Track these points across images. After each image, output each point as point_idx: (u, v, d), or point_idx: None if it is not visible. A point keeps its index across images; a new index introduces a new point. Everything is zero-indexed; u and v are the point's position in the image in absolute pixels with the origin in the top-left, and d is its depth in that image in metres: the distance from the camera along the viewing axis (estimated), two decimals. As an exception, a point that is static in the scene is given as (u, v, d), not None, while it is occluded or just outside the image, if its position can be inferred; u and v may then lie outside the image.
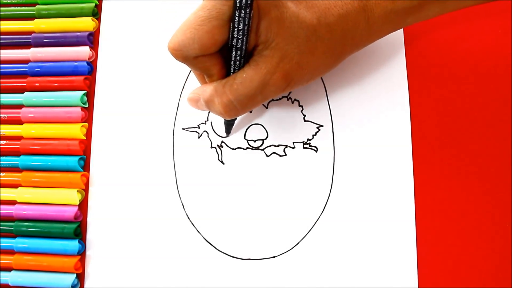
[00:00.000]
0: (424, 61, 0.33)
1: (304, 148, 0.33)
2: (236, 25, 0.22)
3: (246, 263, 0.32)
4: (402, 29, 0.34)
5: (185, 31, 0.23)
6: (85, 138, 0.36)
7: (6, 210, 0.35)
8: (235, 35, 0.23)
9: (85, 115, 0.36)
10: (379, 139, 0.32)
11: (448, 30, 0.33)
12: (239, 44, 0.23)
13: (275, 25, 0.24)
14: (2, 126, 0.36)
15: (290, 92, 0.34)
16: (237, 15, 0.22)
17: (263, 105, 0.34)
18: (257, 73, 0.24)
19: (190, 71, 0.35)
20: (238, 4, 0.21)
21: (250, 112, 0.34)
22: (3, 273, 0.34)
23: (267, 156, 0.33)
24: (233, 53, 0.24)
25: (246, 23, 0.22)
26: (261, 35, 0.24)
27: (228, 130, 0.33)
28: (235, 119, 0.32)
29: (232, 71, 0.25)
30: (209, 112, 0.34)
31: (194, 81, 0.35)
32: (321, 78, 0.34)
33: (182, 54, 0.24)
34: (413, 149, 0.32)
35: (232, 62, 0.24)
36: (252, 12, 0.22)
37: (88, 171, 0.35)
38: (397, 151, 0.32)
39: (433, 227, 0.31)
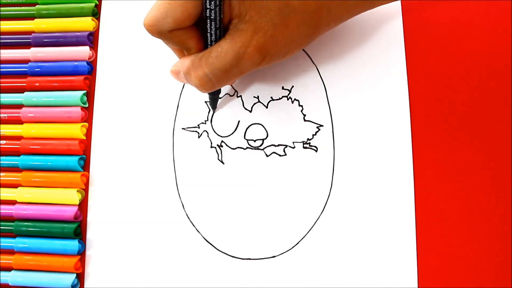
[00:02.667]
0: (424, 61, 0.33)
1: (304, 148, 0.33)
2: None
3: (246, 263, 0.32)
4: (402, 29, 0.34)
5: (159, 6, 0.23)
6: (85, 138, 0.36)
7: (6, 210, 0.35)
8: (208, 6, 0.23)
9: (85, 115, 0.36)
10: (379, 139, 0.32)
11: (448, 30, 0.33)
12: (213, 15, 0.24)
13: None
14: (2, 126, 0.36)
15: (290, 92, 0.34)
16: None
17: (263, 105, 0.34)
18: (232, 46, 0.24)
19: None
20: None
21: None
22: (3, 273, 0.34)
23: (267, 156, 0.33)
24: (208, 25, 0.24)
25: None
26: (234, 8, 0.24)
27: (213, 105, 0.33)
28: (219, 93, 0.32)
29: (209, 43, 0.25)
30: (209, 112, 0.34)
31: (194, 81, 0.35)
32: (321, 78, 0.34)
33: (157, 29, 0.24)
34: (413, 149, 0.32)
35: (208, 34, 0.25)
36: None
37: (88, 171, 0.35)
38: (397, 151, 0.32)
39: (433, 227, 0.31)
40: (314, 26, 0.27)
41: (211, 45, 0.25)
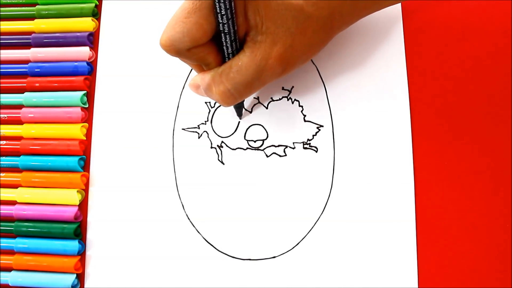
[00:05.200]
0: (424, 61, 0.33)
1: (304, 148, 0.33)
2: (218, 11, 0.22)
3: (246, 263, 0.32)
4: (402, 30, 0.34)
5: (174, 25, 0.23)
6: (85, 138, 0.36)
7: (6, 210, 0.35)
8: (220, 20, 0.23)
9: (85, 115, 0.36)
10: (379, 139, 0.32)
11: (448, 30, 0.33)
12: (226, 29, 0.23)
13: (262, 8, 0.24)
14: (2, 126, 0.36)
15: (290, 92, 0.34)
16: (217, 1, 0.22)
17: (263, 105, 0.34)
18: (252, 59, 0.24)
19: (190, 71, 0.35)
20: None
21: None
22: (3, 273, 0.34)
23: (267, 156, 0.33)
24: (223, 38, 0.24)
25: (228, 7, 0.22)
26: (250, 19, 0.24)
27: (239, 113, 0.33)
28: (243, 101, 0.32)
29: (226, 57, 0.25)
30: (209, 112, 0.34)
31: (194, 81, 0.35)
32: (321, 79, 0.34)
33: (174, 49, 0.24)
34: (413, 149, 0.32)
35: (224, 47, 0.25)
36: None
37: (88, 171, 0.35)
38: (397, 151, 0.32)
39: (433, 227, 0.31)
40: (328, 30, 0.27)
41: (229, 58, 0.25)
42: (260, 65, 0.24)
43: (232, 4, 0.23)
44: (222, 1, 0.22)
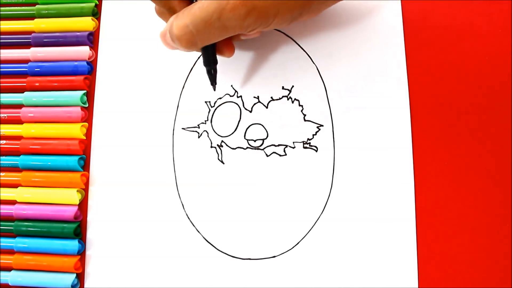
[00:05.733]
0: (424, 61, 0.33)
1: (304, 148, 0.33)
2: None
3: (246, 263, 0.32)
4: (402, 30, 0.33)
5: None
6: (85, 138, 0.35)
7: (6, 210, 0.35)
8: None
9: (85, 115, 0.36)
10: (379, 139, 0.32)
11: (448, 30, 0.33)
12: None
13: None
14: (2, 126, 0.36)
15: (290, 92, 0.34)
16: None
17: (263, 105, 0.34)
18: None
19: (190, 70, 0.35)
20: None
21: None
22: (3, 273, 0.34)
23: (267, 155, 0.33)
24: None
25: None
26: None
27: (212, 80, 0.31)
28: (215, 63, 0.30)
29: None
30: (209, 112, 0.34)
31: (194, 82, 0.35)
32: (321, 78, 0.34)
33: None
34: (413, 149, 0.32)
35: None
36: None
37: (88, 171, 0.35)
38: (397, 151, 0.32)
39: (433, 227, 0.31)
40: None
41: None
42: (222, 3, 0.24)
43: None
44: None
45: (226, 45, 0.30)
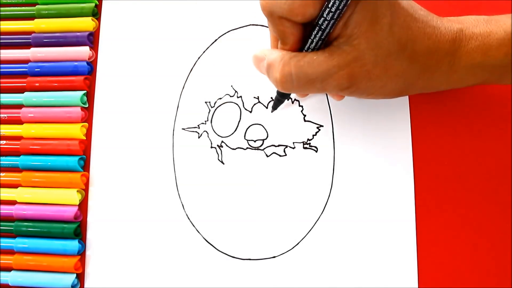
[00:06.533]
0: (424, 61, 0.33)
1: (304, 148, 0.33)
2: (330, 6, 0.22)
3: (246, 263, 0.32)
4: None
5: None
6: (85, 138, 0.36)
7: (6, 210, 0.35)
8: (325, 15, 0.23)
9: (85, 115, 0.36)
10: (379, 139, 0.32)
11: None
12: (324, 25, 0.23)
13: (366, 24, 0.23)
14: (2, 126, 0.36)
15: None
16: None
17: (263, 105, 0.34)
18: (327, 61, 0.24)
19: (191, 71, 0.35)
20: None
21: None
22: (3, 273, 0.34)
23: (267, 156, 0.33)
24: (315, 32, 0.24)
25: (340, 7, 0.22)
26: (348, 27, 0.23)
27: (275, 107, 0.31)
28: (286, 96, 0.31)
29: (305, 49, 0.25)
30: (209, 112, 0.34)
31: (194, 82, 0.35)
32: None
33: (269, 9, 0.23)
34: (413, 149, 0.32)
35: (310, 39, 0.24)
36: (350, 1, 0.22)
37: (88, 171, 0.35)
38: (397, 151, 0.32)
39: (433, 227, 0.31)
40: (408, 85, 0.26)
41: (306, 50, 0.25)
42: (331, 71, 0.24)
43: (345, 8, 0.22)
44: (339, 1, 0.22)
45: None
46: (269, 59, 0.25)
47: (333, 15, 0.22)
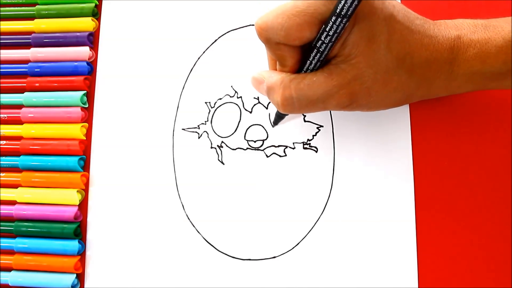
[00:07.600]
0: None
1: (304, 148, 0.33)
2: (327, 30, 0.22)
3: (246, 263, 0.32)
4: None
5: (278, 15, 0.23)
6: (85, 138, 0.36)
7: (6, 210, 0.35)
8: (322, 38, 0.23)
9: (85, 115, 0.36)
10: (379, 139, 0.32)
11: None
12: (322, 48, 0.23)
13: (364, 43, 0.23)
14: (2, 126, 0.36)
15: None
16: (332, 21, 0.22)
17: (263, 105, 0.34)
18: (327, 82, 0.24)
19: (191, 71, 0.35)
20: (338, 11, 0.21)
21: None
22: (3, 273, 0.34)
23: (267, 156, 0.33)
24: (313, 53, 0.24)
25: (338, 31, 0.22)
26: (346, 47, 0.23)
27: (276, 122, 0.31)
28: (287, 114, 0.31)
29: (304, 70, 0.25)
30: (209, 113, 0.34)
31: (194, 82, 0.35)
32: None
33: (266, 35, 0.23)
34: (413, 149, 0.32)
35: (308, 61, 0.24)
36: (347, 23, 0.22)
37: (88, 171, 0.35)
38: (397, 151, 0.32)
39: (433, 227, 0.31)
40: (408, 95, 0.26)
41: (305, 72, 0.25)
42: (331, 91, 0.24)
43: (342, 31, 0.22)
44: (337, 24, 0.22)
45: None
46: (269, 82, 0.25)
47: (331, 38, 0.22)
